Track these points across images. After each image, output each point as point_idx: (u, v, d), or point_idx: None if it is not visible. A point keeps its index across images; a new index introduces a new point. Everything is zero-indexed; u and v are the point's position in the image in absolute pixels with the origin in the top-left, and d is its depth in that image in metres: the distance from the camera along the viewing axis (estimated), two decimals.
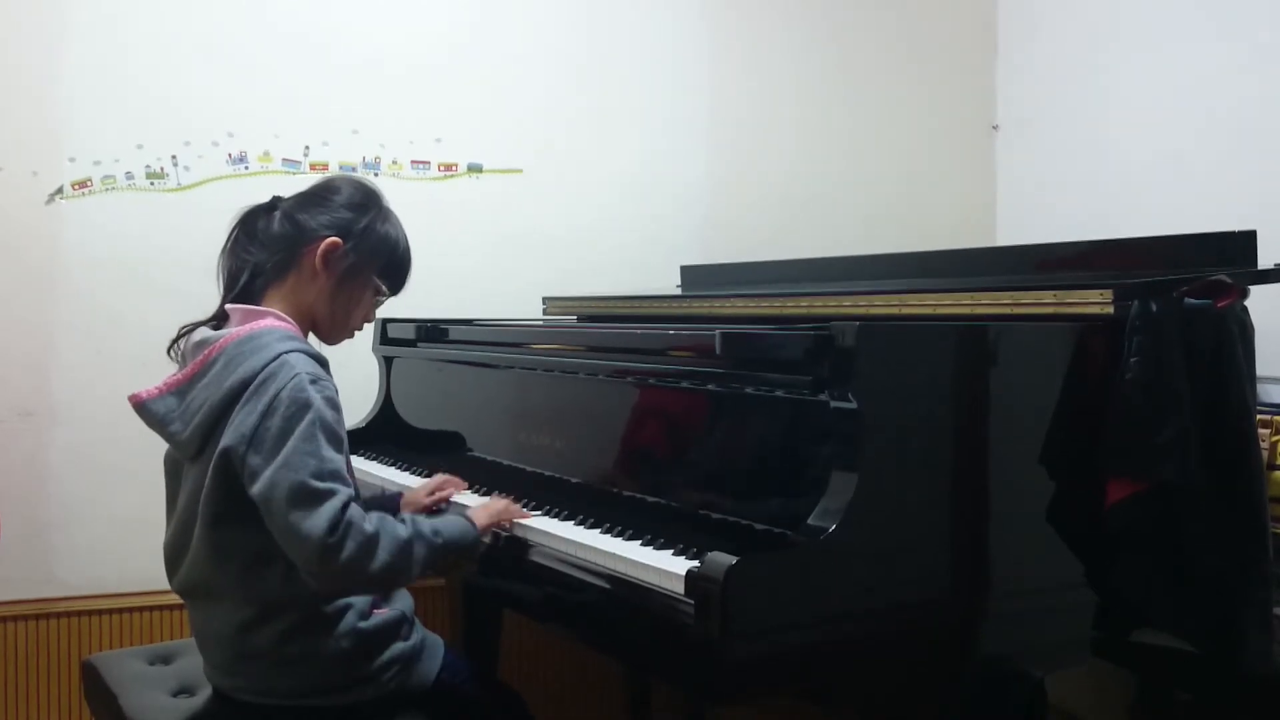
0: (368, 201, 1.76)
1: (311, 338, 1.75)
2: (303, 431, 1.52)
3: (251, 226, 1.74)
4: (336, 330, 1.77)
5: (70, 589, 2.54)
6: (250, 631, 1.62)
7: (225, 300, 1.72)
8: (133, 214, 2.58)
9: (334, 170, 2.70)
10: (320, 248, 1.69)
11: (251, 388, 1.55)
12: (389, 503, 1.99)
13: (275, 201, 1.76)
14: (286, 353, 1.58)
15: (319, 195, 1.75)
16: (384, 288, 1.79)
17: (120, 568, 2.53)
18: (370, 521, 1.55)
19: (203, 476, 1.59)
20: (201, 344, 1.65)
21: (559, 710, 2.81)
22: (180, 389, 1.65)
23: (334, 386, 1.61)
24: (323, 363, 1.64)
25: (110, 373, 2.47)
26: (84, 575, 2.55)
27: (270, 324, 1.64)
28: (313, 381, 1.56)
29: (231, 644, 1.64)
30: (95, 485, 2.54)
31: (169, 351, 1.74)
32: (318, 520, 1.49)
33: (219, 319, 1.71)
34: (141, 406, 1.65)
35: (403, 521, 1.63)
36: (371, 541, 1.53)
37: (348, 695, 1.66)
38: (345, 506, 1.52)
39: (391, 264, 1.79)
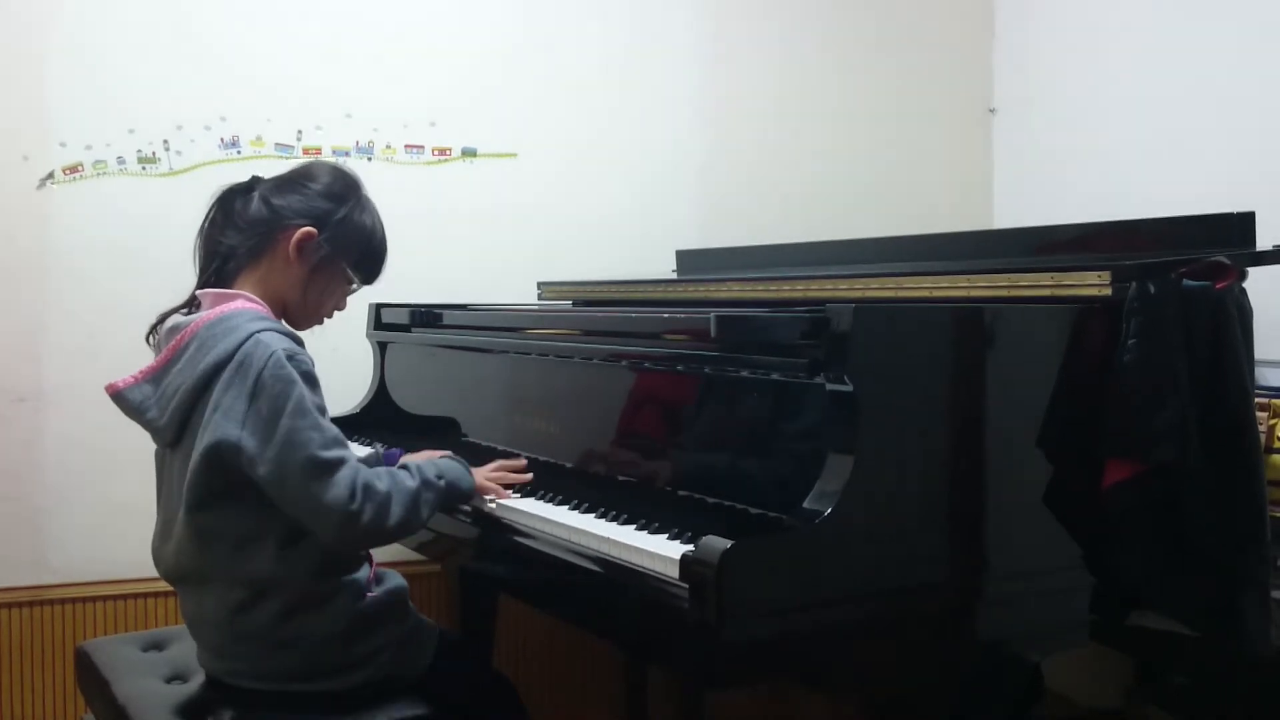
0: (346, 192, 1.75)
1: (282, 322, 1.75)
2: (294, 408, 1.54)
3: (229, 207, 1.74)
4: (306, 318, 1.78)
5: (63, 575, 2.53)
6: (244, 613, 1.62)
7: (199, 285, 1.72)
8: (124, 199, 2.56)
9: (327, 154, 2.69)
10: (294, 237, 1.69)
11: (228, 370, 1.56)
12: (389, 459, 1.99)
13: (254, 182, 1.75)
14: (259, 332, 1.59)
15: (297, 181, 1.74)
16: (356, 279, 1.78)
17: (114, 554, 2.52)
18: (382, 480, 1.61)
19: (184, 462, 1.60)
20: (174, 330, 1.66)
21: (558, 696, 2.81)
22: (155, 376, 1.66)
23: (310, 359, 1.63)
24: (297, 340, 1.65)
25: (103, 358, 2.46)
26: (77, 561, 2.54)
27: (241, 305, 1.64)
28: (290, 357, 1.57)
29: (227, 627, 1.64)
30: (88, 471, 2.53)
31: (147, 339, 1.75)
32: (337, 490, 1.54)
33: (191, 304, 1.72)
34: (118, 395, 1.66)
35: (406, 469, 1.68)
36: (387, 501, 1.59)
37: (341, 679, 1.67)
38: (357, 470, 1.57)
39: (366, 256, 1.78)
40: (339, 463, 1.55)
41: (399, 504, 1.61)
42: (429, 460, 1.75)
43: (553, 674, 2.83)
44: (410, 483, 1.65)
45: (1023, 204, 3.17)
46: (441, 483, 1.70)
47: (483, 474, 1.85)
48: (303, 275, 1.72)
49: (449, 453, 1.95)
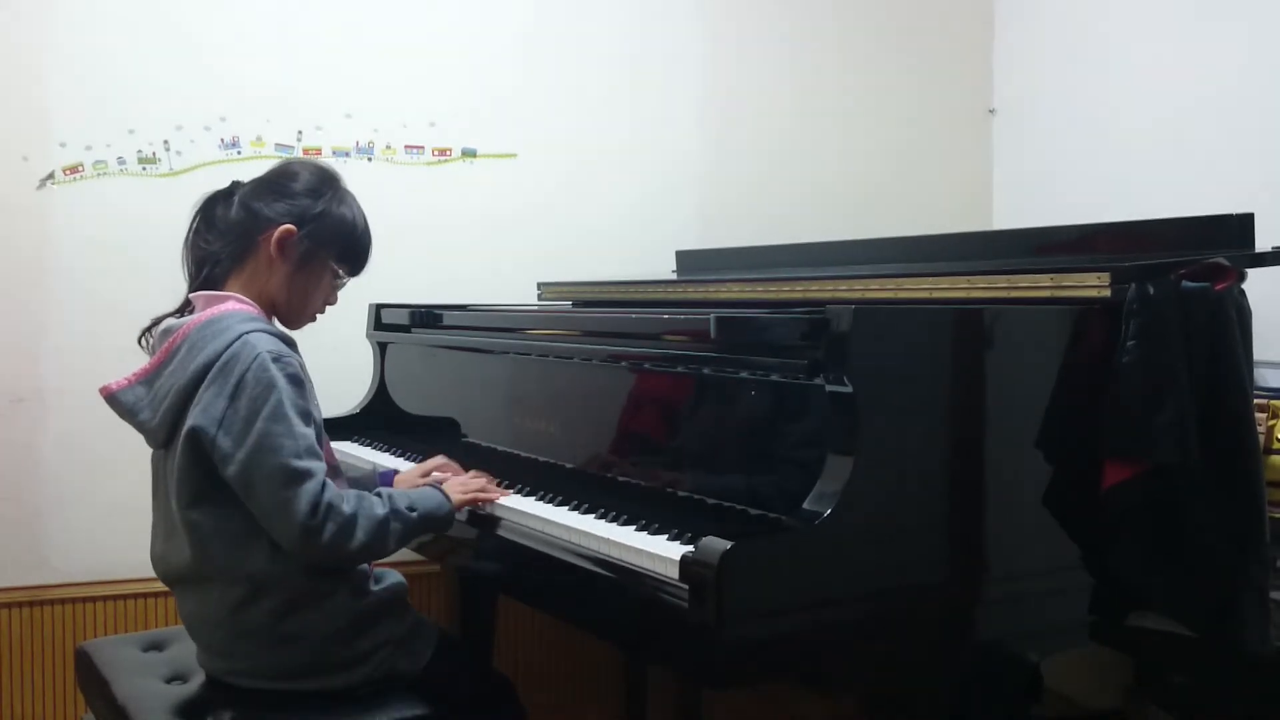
0: (321, 186, 1.76)
1: (276, 323, 1.75)
2: (271, 412, 1.54)
3: (211, 214, 1.75)
4: (296, 315, 1.78)
5: (63, 575, 2.53)
6: (244, 610, 1.63)
7: (190, 290, 1.73)
8: (124, 199, 2.56)
9: (327, 155, 2.69)
10: (275, 235, 1.70)
11: (215, 369, 1.57)
12: (384, 481, 1.99)
13: (234, 187, 1.77)
14: (248, 333, 1.59)
15: (273, 181, 1.75)
16: (342, 272, 1.78)
17: (113, 554, 2.52)
18: (349, 502, 1.59)
19: (175, 462, 1.60)
20: (166, 332, 1.67)
21: (557, 696, 2.81)
22: (148, 378, 1.67)
23: (298, 362, 1.63)
24: (288, 342, 1.65)
25: (102, 358, 2.44)
26: (77, 562, 2.54)
27: (232, 307, 1.65)
28: (275, 360, 1.58)
29: (227, 625, 1.65)
30: (88, 471, 2.53)
31: (140, 342, 1.76)
32: (299, 503, 1.53)
33: (184, 308, 1.74)
34: (111, 397, 1.68)
35: (379, 496, 1.67)
36: (350, 523, 1.58)
37: (341, 677, 1.67)
38: (323, 487, 1.55)
39: (348, 248, 1.78)
40: (307, 474, 1.55)
41: (363, 529, 1.59)
42: (402, 491, 1.74)
43: (552, 674, 2.83)
44: (379, 510, 1.63)
45: (1022, 205, 3.17)
46: (414, 514, 1.68)
47: (456, 490, 1.82)
48: (287, 273, 1.72)
49: (441, 459, 1.96)
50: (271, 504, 1.54)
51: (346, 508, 1.58)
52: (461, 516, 1.82)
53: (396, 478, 2.00)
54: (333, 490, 1.58)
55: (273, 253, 1.70)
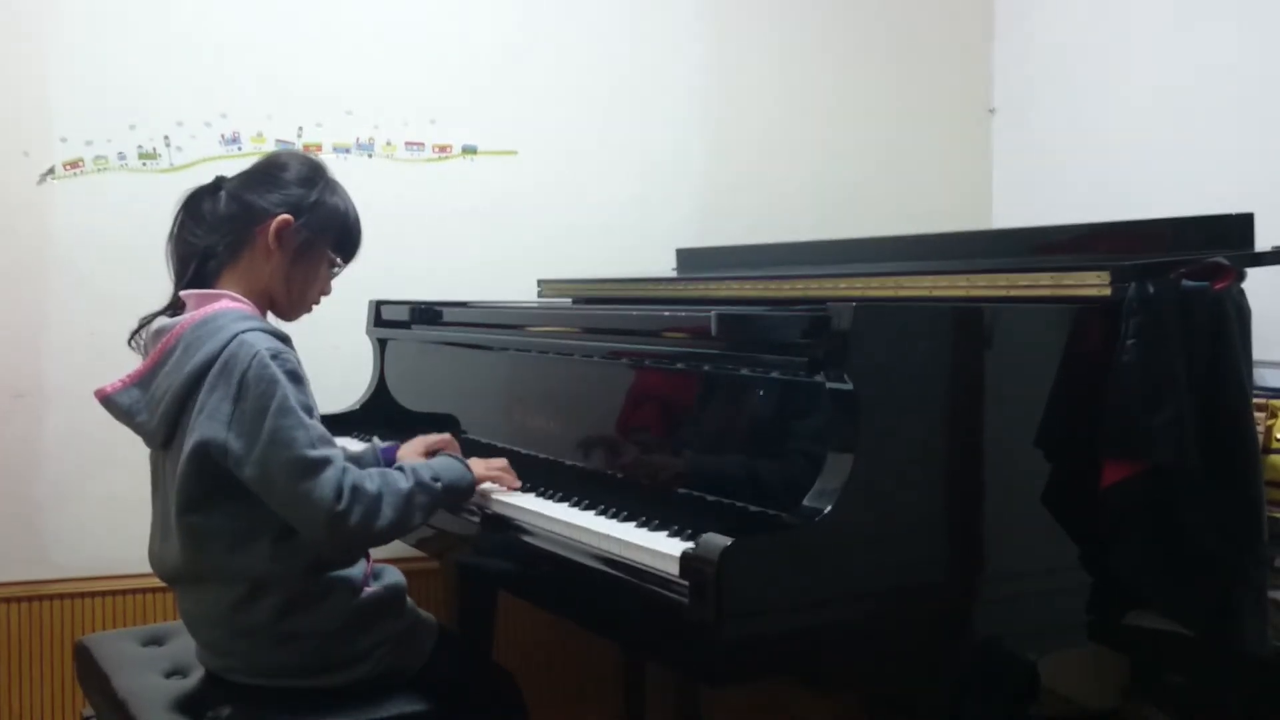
0: (314, 175, 1.76)
1: (271, 317, 1.75)
2: (278, 408, 1.54)
3: (197, 209, 1.74)
4: (295, 306, 1.78)
5: (63, 570, 2.53)
6: (244, 609, 1.62)
7: (179, 287, 1.72)
8: (125, 195, 2.56)
9: (327, 151, 2.69)
10: (272, 226, 1.69)
11: (214, 371, 1.56)
12: (385, 455, 1.99)
13: (219, 182, 1.76)
14: (243, 332, 1.59)
15: (265, 173, 1.75)
16: (338, 259, 1.79)
17: (113, 549, 2.52)
18: (372, 480, 1.59)
19: (175, 464, 1.60)
20: (159, 332, 1.66)
21: (555, 693, 2.81)
22: (143, 379, 1.66)
23: (296, 358, 1.63)
24: (283, 339, 1.65)
25: (103, 354, 2.45)
26: (76, 557, 2.54)
27: (225, 305, 1.64)
28: (273, 356, 1.57)
29: (227, 623, 1.65)
30: (88, 467, 2.53)
31: (129, 343, 1.74)
32: (323, 489, 1.53)
33: (175, 307, 1.72)
34: (107, 400, 1.67)
35: (401, 470, 1.66)
36: (376, 502, 1.58)
37: (340, 674, 1.67)
38: (344, 470, 1.55)
39: (343, 235, 1.78)
40: (325, 462, 1.54)
41: (390, 506, 1.59)
42: (424, 462, 1.74)
43: (551, 671, 2.83)
44: (403, 484, 1.63)
45: (1022, 204, 3.17)
46: (438, 485, 1.68)
47: (480, 466, 1.83)
48: (285, 264, 1.72)
49: (446, 436, 1.96)
50: (293, 497, 1.54)
51: (371, 486, 1.58)
52: (467, 512, 1.83)
53: (399, 451, 2.00)
54: (355, 472, 1.57)
55: (271, 243, 1.70)
